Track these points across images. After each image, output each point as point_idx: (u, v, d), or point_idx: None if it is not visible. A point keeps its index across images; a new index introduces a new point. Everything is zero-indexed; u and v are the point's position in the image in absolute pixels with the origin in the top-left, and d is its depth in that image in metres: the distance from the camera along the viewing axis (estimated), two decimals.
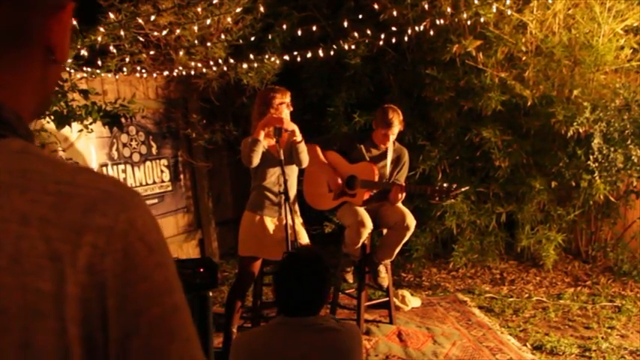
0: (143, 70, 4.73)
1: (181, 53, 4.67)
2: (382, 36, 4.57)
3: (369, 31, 4.68)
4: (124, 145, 4.95)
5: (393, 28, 4.57)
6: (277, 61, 4.91)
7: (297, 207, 3.47)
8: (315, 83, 5.43)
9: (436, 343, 3.65)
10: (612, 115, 4.43)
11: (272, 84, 4.47)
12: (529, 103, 4.66)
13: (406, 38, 4.67)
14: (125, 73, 4.61)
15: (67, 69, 3.59)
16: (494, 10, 4.37)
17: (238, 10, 4.53)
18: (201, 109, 5.50)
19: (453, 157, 5.08)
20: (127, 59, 4.45)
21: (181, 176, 5.57)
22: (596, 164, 4.45)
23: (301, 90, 5.15)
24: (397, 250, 3.71)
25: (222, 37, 4.71)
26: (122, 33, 4.09)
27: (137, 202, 0.60)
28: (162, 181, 5.34)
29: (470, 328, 3.89)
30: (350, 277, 4.11)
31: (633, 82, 4.66)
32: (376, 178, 3.65)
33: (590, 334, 3.77)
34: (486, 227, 4.97)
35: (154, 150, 5.26)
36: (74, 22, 3.59)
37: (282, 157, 3.16)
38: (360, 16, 4.89)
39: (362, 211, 3.60)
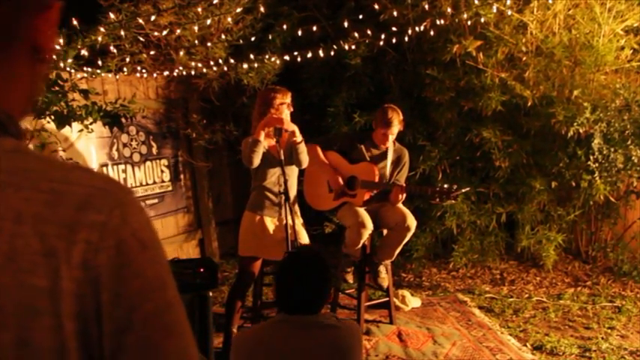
0: (143, 70, 4.73)
1: (182, 53, 4.67)
2: (382, 36, 4.57)
3: (369, 32, 4.68)
4: (125, 145, 4.96)
5: (394, 29, 4.57)
6: (277, 61, 4.91)
7: (297, 207, 3.47)
8: (315, 83, 5.43)
9: (436, 344, 3.65)
10: (612, 115, 4.44)
11: (272, 84, 4.47)
12: (529, 104, 4.66)
13: (406, 38, 4.68)
14: (125, 73, 4.61)
15: (68, 69, 3.59)
16: (495, 10, 4.37)
17: (238, 10, 4.54)
18: (202, 109, 5.50)
19: (453, 157, 5.08)
20: (128, 59, 4.45)
21: (181, 176, 5.57)
22: (597, 164, 4.45)
23: (301, 90, 5.14)
24: (397, 250, 3.71)
25: (223, 37, 4.72)
26: (122, 33, 4.09)
27: (130, 199, 0.61)
28: (163, 181, 5.34)
29: (470, 329, 3.89)
30: (350, 278, 4.11)
31: (633, 82, 4.66)
32: (377, 179, 3.65)
33: (590, 334, 3.77)
34: (486, 227, 4.97)
35: (154, 150, 5.26)
36: (75, 22, 3.59)
37: (283, 158, 3.16)
38: (361, 17, 4.90)
39: (362, 212, 3.60)
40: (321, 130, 5.09)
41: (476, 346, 3.60)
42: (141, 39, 4.44)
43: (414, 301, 4.34)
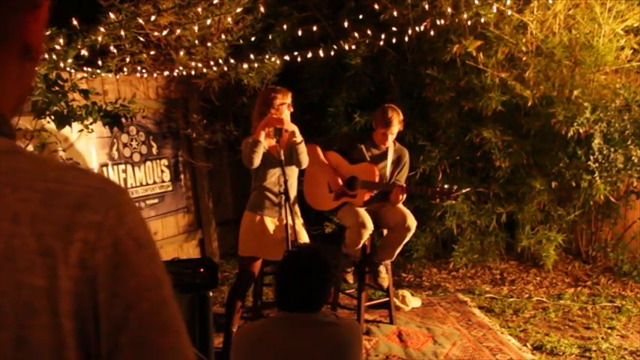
0: (143, 70, 4.73)
1: (182, 53, 4.67)
2: (382, 36, 4.57)
3: (369, 32, 4.68)
4: (125, 145, 4.96)
5: (394, 29, 4.57)
6: (278, 61, 4.91)
7: (297, 207, 3.47)
8: (315, 83, 5.43)
9: (436, 344, 3.65)
10: (612, 115, 4.43)
11: (272, 84, 4.48)
12: (529, 104, 4.66)
13: (407, 38, 4.68)
14: (125, 73, 4.61)
15: (68, 69, 3.59)
16: (495, 10, 4.37)
17: (239, 10, 4.54)
18: (202, 109, 5.50)
19: (453, 157, 5.08)
20: (128, 59, 4.45)
21: (182, 176, 5.57)
22: (597, 164, 4.45)
23: (302, 90, 5.14)
24: (398, 250, 3.72)
25: (223, 37, 4.72)
26: (122, 33, 4.09)
27: (125, 198, 0.61)
28: (163, 181, 5.34)
29: (470, 329, 3.89)
30: (350, 278, 4.11)
31: (633, 82, 4.66)
32: (377, 179, 3.64)
33: (590, 334, 3.77)
34: (487, 227, 4.97)
35: (154, 150, 5.26)
36: (75, 22, 3.59)
37: (283, 158, 3.16)
38: (361, 17, 4.90)
39: (363, 212, 3.60)
40: (321, 130, 5.09)
41: (476, 346, 3.60)
42: (141, 39, 4.44)
43: (414, 301, 4.34)
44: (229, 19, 4.64)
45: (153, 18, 4.11)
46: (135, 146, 5.06)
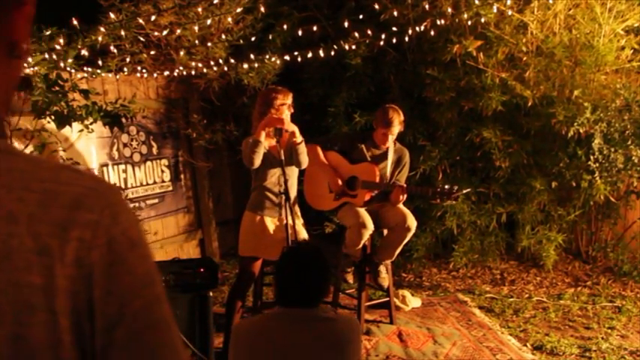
0: (144, 70, 4.74)
1: (182, 53, 4.67)
2: (383, 36, 4.57)
3: (369, 32, 4.69)
4: (125, 145, 4.96)
5: (394, 29, 4.57)
6: (278, 61, 4.91)
7: (297, 207, 3.47)
8: (315, 83, 5.44)
9: (436, 343, 3.65)
10: (613, 115, 4.43)
11: (273, 84, 4.47)
12: (530, 104, 4.66)
13: (407, 38, 4.68)
14: (126, 73, 4.61)
15: (68, 69, 3.59)
16: (495, 10, 4.37)
17: (239, 10, 4.54)
18: (202, 109, 5.51)
19: (453, 157, 5.08)
20: (128, 59, 4.46)
21: (182, 176, 5.57)
22: (597, 165, 4.45)
23: (302, 90, 5.15)
24: (398, 250, 3.72)
25: (223, 37, 4.72)
26: (123, 33, 4.09)
27: (119, 198, 0.63)
28: (163, 181, 5.34)
29: (470, 329, 3.89)
30: (350, 278, 4.11)
31: (634, 82, 4.66)
32: (377, 179, 3.65)
33: (590, 334, 3.77)
34: (487, 227, 4.97)
35: (154, 150, 5.26)
36: (75, 22, 3.59)
37: (283, 158, 3.16)
38: (361, 17, 4.90)
39: (363, 213, 3.60)
40: (322, 130, 5.09)
41: (476, 346, 3.60)
42: (141, 39, 4.44)
43: (414, 301, 4.34)
44: (229, 19, 4.65)
45: (153, 18, 4.12)
46: (135, 146, 5.06)
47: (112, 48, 4.13)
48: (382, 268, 3.80)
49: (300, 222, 3.43)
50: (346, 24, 4.57)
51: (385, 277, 3.82)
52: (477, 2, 4.35)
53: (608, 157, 4.43)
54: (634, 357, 3.42)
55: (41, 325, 0.55)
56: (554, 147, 4.82)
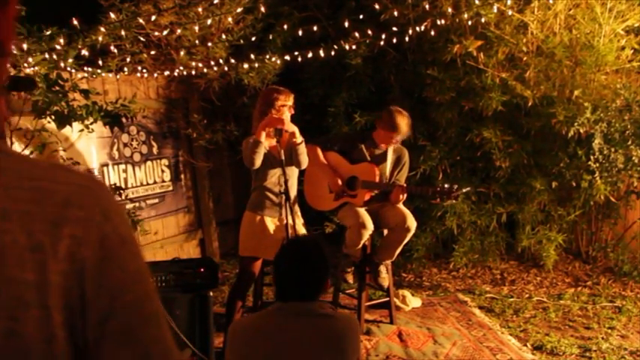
0: (144, 70, 4.74)
1: (182, 53, 4.67)
2: (383, 36, 4.57)
3: (369, 31, 4.69)
4: (125, 144, 4.96)
5: (394, 28, 4.57)
6: (278, 61, 4.92)
7: (297, 207, 3.47)
8: (315, 83, 5.44)
9: (437, 343, 3.65)
10: (613, 115, 4.43)
11: (273, 84, 4.47)
12: (530, 104, 4.66)
13: (407, 38, 4.68)
14: (126, 73, 4.61)
15: (68, 69, 3.59)
16: (495, 10, 4.37)
17: (239, 10, 4.54)
18: (202, 109, 5.51)
19: (453, 157, 5.08)
20: (128, 59, 4.46)
21: (182, 176, 5.57)
22: (597, 165, 4.45)
23: (302, 90, 5.15)
24: (398, 250, 3.72)
25: (223, 37, 4.72)
26: (123, 33, 4.09)
27: (110, 196, 0.65)
28: (163, 181, 5.35)
29: (470, 329, 3.89)
30: (350, 278, 4.11)
31: (634, 82, 4.66)
32: (377, 179, 3.65)
33: (590, 334, 3.77)
34: (487, 227, 4.97)
35: (154, 150, 5.26)
36: (75, 22, 3.59)
37: (283, 158, 3.16)
38: (361, 16, 4.90)
39: (363, 213, 3.61)
40: (322, 130, 5.09)
41: (476, 346, 3.60)
42: (141, 39, 4.44)
43: (414, 301, 4.34)
44: (230, 19, 4.65)
45: (153, 18, 4.12)
46: (135, 146, 5.06)
47: (112, 48, 4.13)
48: (382, 268, 3.80)
49: (300, 222, 3.43)
50: (346, 24, 4.57)
51: (385, 277, 3.82)
52: (477, 2, 4.35)
53: (609, 157, 4.43)
54: (634, 357, 3.42)
55: (35, 321, 0.56)
56: (554, 147, 4.81)
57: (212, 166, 5.65)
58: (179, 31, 4.46)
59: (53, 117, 3.36)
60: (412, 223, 3.57)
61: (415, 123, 4.89)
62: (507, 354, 3.46)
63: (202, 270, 2.95)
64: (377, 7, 4.67)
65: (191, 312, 2.93)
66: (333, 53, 4.67)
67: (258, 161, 3.19)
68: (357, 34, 4.59)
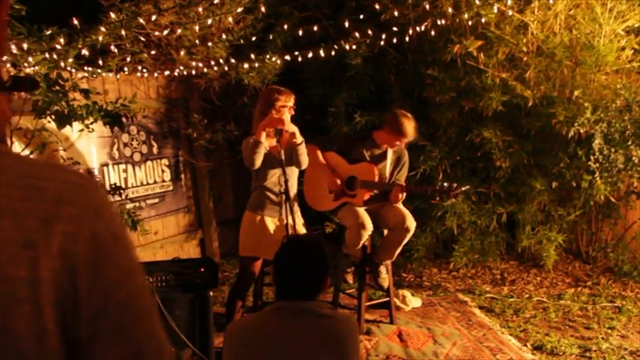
0: (144, 70, 4.74)
1: (182, 53, 4.67)
2: (383, 36, 4.57)
3: (370, 32, 4.69)
4: (125, 144, 4.96)
5: (394, 29, 4.57)
6: (278, 61, 4.92)
7: (297, 207, 3.47)
8: (316, 83, 5.44)
9: (437, 343, 3.65)
10: (613, 115, 4.43)
11: (273, 84, 4.47)
12: (530, 104, 4.66)
13: (407, 38, 4.68)
14: (126, 73, 4.62)
15: (68, 68, 3.59)
16: (496, 10, 4.37)
17: (239, 9, 4.54)
18: (202, 109, 5.51)
19: (453, 157, 5.08)
20: (128, 59, 4.46)
21: (182, 176, 5.57)
22: (597, 165, 4.45)
23: (302, 90, 5.15)
24: (398, 250, 3.72)
25: (224, 36, 4.72)
26: (123, 32, 4.09)
27: (103, 194, 0.66)
28: (163, 181, 5.35)
29: (470, 329, 3.89)
30: (350, 278, 4.11)
31: (634, 82, 4.65)
32: (376, 179, 3.65)
33: (590, 334, 3.77)
34: (487, 227, 4.97)
35: (154, 150, 5.26)
36: (75, 22, 3.59)
37: (283, 158, 3.16)
38: (362, 16, 4.90)
39: (362, 213, 3.61)
40: (322, 130, 5.09)
41: (476, 346, 3.60)
42: (142, 38, 4.44)
43: (414, 301, 4.34)
44: (230, 19, 4.65)
45: (154, 18, 4.12)
46: (135, 146, 5.06)
47: (112, 47, 4.13)
48: (382, 269, 3.80)
49: (300, 222, 3.43)
50: (347, 24, 4.57)
51: (385, 278, 3.82)
52: (477, 2, 4.35)
53: (609, 158, 4.43)
54: (634, 357, 3.42)
55: (26, 317, 0.56)
56: (554, 147, 4.81)
57: (212, 166, 5.65)
58: (179, 30, 4.46)
59: (53, 117, 3.36)
60: (412, 223, 3.57)
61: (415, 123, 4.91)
62: (507, 354, 3.46)
63: (202, 270, 2.95)
64: (377, 7, 4.67)
65: (191, 312, 2.93)
66: (333, 53, 4.67)
67: (259, 161, 3.19)
68: (357, 34, 4.59)
